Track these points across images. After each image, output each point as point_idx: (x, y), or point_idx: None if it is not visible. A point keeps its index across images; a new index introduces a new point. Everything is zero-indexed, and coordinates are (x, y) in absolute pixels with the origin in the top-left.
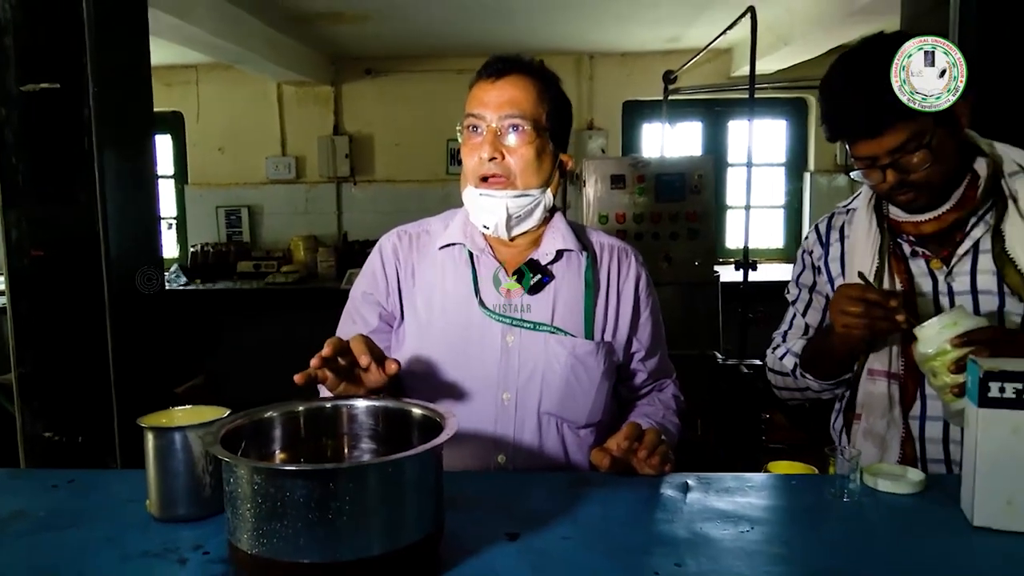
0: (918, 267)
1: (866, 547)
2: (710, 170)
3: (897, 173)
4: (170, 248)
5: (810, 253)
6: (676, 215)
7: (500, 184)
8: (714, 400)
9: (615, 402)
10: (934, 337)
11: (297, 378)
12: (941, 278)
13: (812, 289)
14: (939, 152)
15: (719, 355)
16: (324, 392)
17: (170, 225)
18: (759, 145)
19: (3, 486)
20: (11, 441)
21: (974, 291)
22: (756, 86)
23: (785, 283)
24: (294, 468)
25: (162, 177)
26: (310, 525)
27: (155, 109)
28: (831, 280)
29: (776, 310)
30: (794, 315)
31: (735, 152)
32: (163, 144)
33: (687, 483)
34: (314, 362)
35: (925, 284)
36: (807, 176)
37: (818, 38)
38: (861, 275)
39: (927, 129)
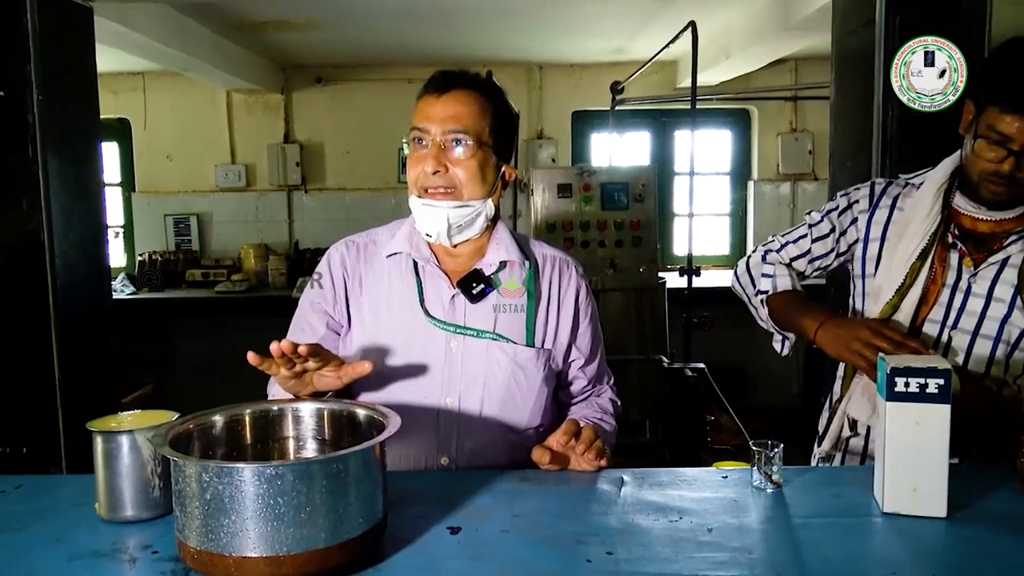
0: (952, 259)
1: (784, 532)
2: (653, 179)
3: (1015, 163)
4: (117, 257)
5: (855, 201)
6: (621, 223)
7: (442, 195)
8: (660, 403)
9: (555, 407)
10: None
11: (251, 356)
12: (966, 276)
13: (835, 229)
14: None
15: (665, 359)
16: (272, 391)
17: (117, 234)
18: (705, 155)
19: None
20: None
21: (989, 296)
22: (700, 97)
23: (728, 289)
24: (242, 465)
25: (109, 185)
26: (257, 520)
27: (101, 116)
28: (865, 237)
29: (720, 315)
30: (805, 234)
31: (681, 161)
32: (110, 152)
33: (622, 478)
34: (284, 347)
35: (950, 277)
36: (751, 185)
37: (757, 51)
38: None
39: None
